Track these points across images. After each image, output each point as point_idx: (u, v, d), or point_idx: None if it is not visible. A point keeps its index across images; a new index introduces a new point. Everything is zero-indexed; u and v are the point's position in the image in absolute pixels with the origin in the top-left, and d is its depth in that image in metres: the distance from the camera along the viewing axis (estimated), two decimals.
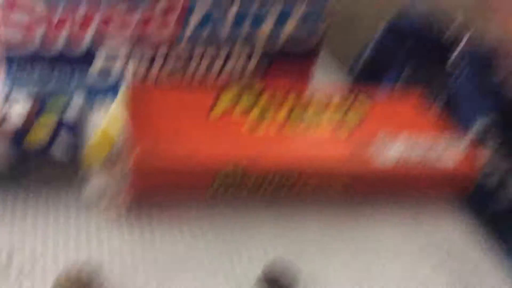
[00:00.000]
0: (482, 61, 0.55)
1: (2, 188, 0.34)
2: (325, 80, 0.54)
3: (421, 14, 0.65)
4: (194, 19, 0.42)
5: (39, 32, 0.40)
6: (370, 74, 0.67)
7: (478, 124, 0.52)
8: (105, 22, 0.41)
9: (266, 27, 0.43)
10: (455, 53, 0.59)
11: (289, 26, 0.44)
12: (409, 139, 0.41)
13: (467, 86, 0.57)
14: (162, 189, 0.36)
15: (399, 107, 0.48)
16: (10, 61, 0.41)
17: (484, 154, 0.46)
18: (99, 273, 0.29)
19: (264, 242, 0.35)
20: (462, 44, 0.59)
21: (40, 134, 0.35)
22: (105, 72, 0.43)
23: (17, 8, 0.39)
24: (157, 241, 0.34)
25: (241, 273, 0.32)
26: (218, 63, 0.45)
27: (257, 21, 0.43)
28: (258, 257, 0.33)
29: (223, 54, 0.44)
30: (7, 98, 0.36)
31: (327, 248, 0.36)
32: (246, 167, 0.36)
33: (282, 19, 0.43)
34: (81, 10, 0.40)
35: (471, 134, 0.50)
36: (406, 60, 0.66)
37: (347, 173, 0.38)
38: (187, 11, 0.42)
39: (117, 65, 0.42)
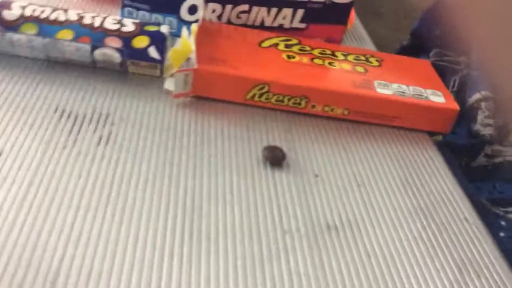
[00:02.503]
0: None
1: (112, 77, 0.52)
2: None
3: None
4: None
5: None
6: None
7: (477, 95, 0.65)
8: None
9: None
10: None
11: None
12: (407, 83, 0.54)
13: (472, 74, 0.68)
14: (213, 91, 0.52)
15: (410, 65, 0.60)
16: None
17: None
18: None
19: (274, 135, 0.49)
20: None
21: (140, 42, 0.52)
22: (191, 9, 0.60)
23: None
24: (205, 121, 0.49)
25: (254, 150, 0.47)
26: (269, 17, 0.60)
27: None
28: (263, 143, 0.48)
29: (273, 12, 0.60)
30: (120, 21, 0.54)
31: (318, 144, 0.49)
32: (271, 84, 0.51)
33: None
34: None
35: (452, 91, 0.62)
36: (433, 46, 0.77)
37: (350, 97, 0.52)
38: None
39: (199, 5, 0.59)
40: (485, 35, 0.65)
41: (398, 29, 0.87)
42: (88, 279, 0.32)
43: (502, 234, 0.52)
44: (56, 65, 0.51)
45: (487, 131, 0.63)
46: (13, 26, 0.50)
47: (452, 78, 0.73)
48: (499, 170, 0.64)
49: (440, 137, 0.59)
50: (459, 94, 0.70)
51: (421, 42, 0.83)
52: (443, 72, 0.73)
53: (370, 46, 0.70)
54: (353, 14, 0.71)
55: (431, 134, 0.56)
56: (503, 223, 0.54)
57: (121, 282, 0.32)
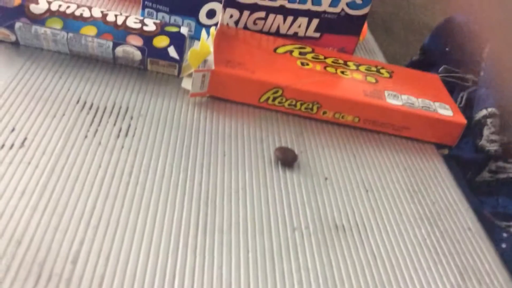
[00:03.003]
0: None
1: (134, 70, 0.53)
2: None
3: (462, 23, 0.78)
4: None
5: None
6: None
7: (483, 111, 0.66)
8: None
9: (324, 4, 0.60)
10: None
11: (340, 5, 0.60)
12: (417, 95, 0.56)
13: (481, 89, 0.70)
14: (228, 92, 0.53)
15: (419, 78, 0.62)
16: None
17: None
18: None
19: (285, 138, 0.51)
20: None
21: (160, 41, 0.53)
22: (210, 13, 0.61)
23: None
24: (220, 121, 0.51)
25: (266, 150, 0.48)
26: (285, 25, 0.62)
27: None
28: (276, 144, 0.50)
29: (290, 19, 0.61)
30: (141, 21, 0.56)
31: (328, 149, 0.51)
32: (284, 89, 0.52)
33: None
34: None
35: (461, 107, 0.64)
36: (442, 62, 0.79)
37: (360, 105, 0.53)
38: None
39: (217, 10, 0.61)
40: (494, 52, 0.67)
41: (407, 45, 0.88)
42: (107, 262, 0.33)
43: (503, 246, 0.53)
44: (79, 60, 0.53)
45: (492, 147, 0.65)
46: (39, 20, 0.52)
47: (460, 94, 0.75)
48: (503, 186, 0.66)
49: (446, 151, 0.60)
50: (466, 110, 0.72)
51: (431, 58, 0.85)
52: (451, 88, 0.75)
53: (381, 59, 0.72)
54: (365, 27, 0.73)
55: (438, 147, 0.57)
56: (505, 235, 0.56)
57: (138, 266, 0.34)
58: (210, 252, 0.36)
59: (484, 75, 0.70)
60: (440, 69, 0.79)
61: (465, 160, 0.67)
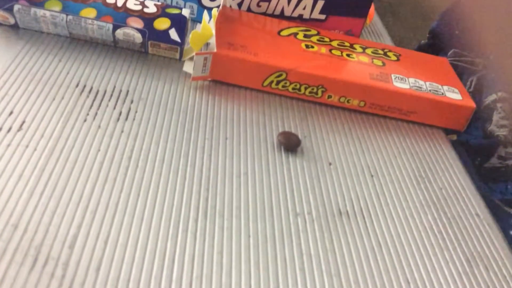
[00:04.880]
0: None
1: (135, 54, 0.52)
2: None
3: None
4: None
5: None
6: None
7: (493, 95, 0.64)
8: None
9: None
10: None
11: None
12: (424, 79, 0.54)
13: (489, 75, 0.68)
14: (231, 76, 0.52)
15: (427, 61, 0.61)
16: None
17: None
18: None
19: (289, 123, 0.50)
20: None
21: (161, 23, 0.52)
22: None
23: None
24: (222, 105, 0.50)
25: (269, 135, 0.47)
26: (290, 7, 0.60)
27: None
28: (279, 129, 0.48)
29: (293, 2, 0.60)
30: (142, 3, 0.55)
31: (333, 133, 0.50)
32: (288, 72, 0.51)
33: None
34: None
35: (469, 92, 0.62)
36: (451, 46, 0.77)
37: (366, 89, 0.52)
38: None
39: None
40: (502, 36, 0.65)
41: (415, 29, 0.86)
42: (105, 246, 0.33)
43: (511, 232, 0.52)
44: (79, 42, 0.52)
45: (501, 132, 0.63)
46: (38, 2, 0.51)
47: (469, 79, 0.73)
48: None
49: (454, 137, 0.59)
50: (476, 95, 0.70)
51: (440, 42, 0.83)
52: (461, 72, 0.73)
53: (388, 43, 0.71)
54: (372, 9, 0.72)
55: (446, 132, 0.56)
56: None
57: (137, 250, 0.33)
58: (210, 237, 0.36)
59: (493, 59, 0.69)
60: (449, 53, 0.77)
61: (474, 146, 0.65)
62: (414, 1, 1.02)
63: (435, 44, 0.82)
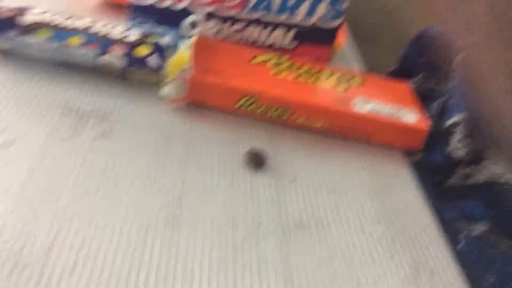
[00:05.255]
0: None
1: (114, 81, 0.57)
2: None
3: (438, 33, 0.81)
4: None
5: None
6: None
7: (454, 118, 0.69)
8: None
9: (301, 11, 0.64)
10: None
11: (318, 12, 0.64)
12: (385, 102, 0.59)
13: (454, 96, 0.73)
14: (206, 98, 0.57)
15: (390, 86, 0.66)
16: (134, 10, 0.65)
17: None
18: None
19: (257, 142, 0.54)
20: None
21: (142, 51, 0.57)
22: (192, 25, 0.65)
23: None
24: (196, 125, 0.54)
25: (236, 153, 0.52)
26: (263, 36, 0.66)
27: (295, 6, 0.64)
28: (247, 148, 0.53)
29: (267, 30, 0.65)
30: (126, 31, 0.59)
31: (297, 152, 0.54)
32: (258, 96, 0.56)
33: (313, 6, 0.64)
34: None
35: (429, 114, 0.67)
36: (419, 70, 0.82)
37: (329, 112, 0.56)
38: None
39: (199, 22, 0.65)
40: (465, 58, 0.70)
41: (392, 56, 0.92)
42: (79, 253, 0.37)
43: (459, 247, 0.56)
44: (63, 67, 0.57)
45: (460, 153, 0.68)
46: (28, 30, 0.55)
47: (434, 103, 0.78)
48: (471, 190, 0.69)
49: (418, 157, 0.63)
50: (441, 119, 0.75)
51: (408, 68, 0.88)
52: (425, 97, 0.78)
53: (361, 68, 0.76)
54: (343, 37, 0.77)
55: (410, 153, 0.60)
56: (462, 237, 0.59)
57: (108, 256, 0.37)
58: (177, 243, 0.40)
59: (456, 84, 0.74)
60: (416, 78, 0.82)
61: (435, 166, 0.70)
62: (394, 29, 1.07)
63: (403, 70, 0.87)
